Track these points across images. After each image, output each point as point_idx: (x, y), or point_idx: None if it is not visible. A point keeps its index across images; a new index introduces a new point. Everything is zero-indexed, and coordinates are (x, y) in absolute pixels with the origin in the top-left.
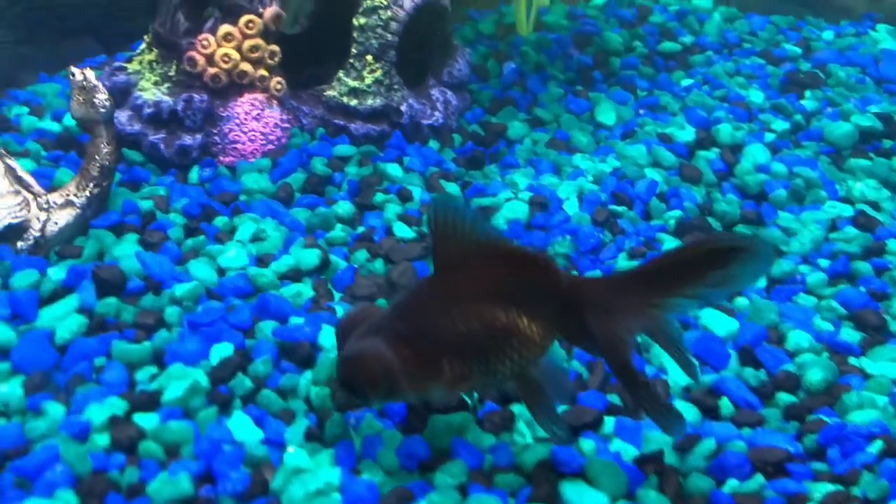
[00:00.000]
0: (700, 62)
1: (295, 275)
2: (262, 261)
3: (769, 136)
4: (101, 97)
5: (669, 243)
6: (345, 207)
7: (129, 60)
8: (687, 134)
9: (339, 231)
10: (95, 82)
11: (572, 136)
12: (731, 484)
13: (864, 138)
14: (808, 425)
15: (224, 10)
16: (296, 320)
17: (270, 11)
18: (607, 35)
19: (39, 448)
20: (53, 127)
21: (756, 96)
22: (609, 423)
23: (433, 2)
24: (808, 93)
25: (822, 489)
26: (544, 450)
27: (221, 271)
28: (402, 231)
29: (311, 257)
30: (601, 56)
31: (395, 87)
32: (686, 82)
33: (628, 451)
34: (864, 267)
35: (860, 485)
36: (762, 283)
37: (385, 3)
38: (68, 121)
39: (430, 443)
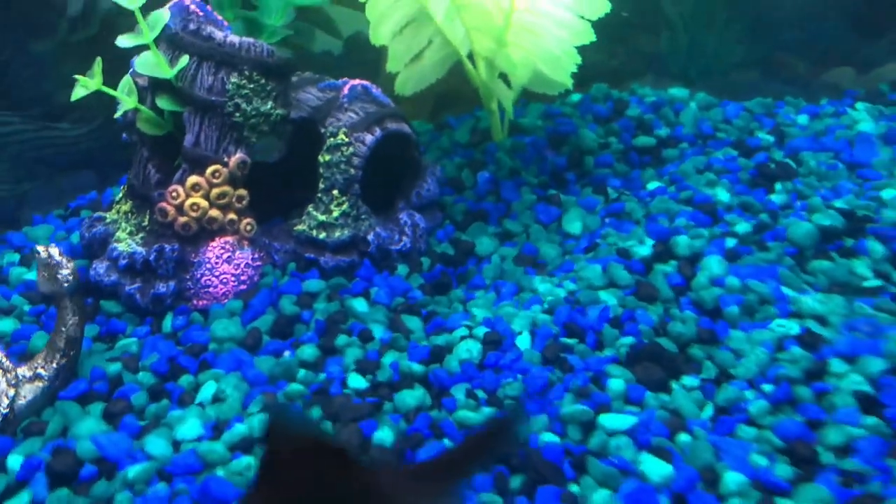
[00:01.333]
0: (673, 157)
1: (247, 445)
2: (217, 428)
3: (731, 242)
4: (65, 272)
5: (617, 377)
6: (309, 351)
7: (109, 207)
8: (645, 248)
9: (298, 384)
10: (59, 258)
11: (540, 248)
12: None
13: (825, 237)
14: None
15: (190, 161)
16: None
17: (235, 159)
18: (582, 132)
19: None
20: None
21: (723, 195)
22: None
23: (394, 132)
24: (778, 185)
25: None
26: None
27: (177, 444)
28: (357, 382)
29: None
30: (576, 155)
31: (363, 216)
32: (653, 185)
33: None
34: (804, 392)
35: None
36: (708, 412)
37: (346, 139)
38: None
39: None
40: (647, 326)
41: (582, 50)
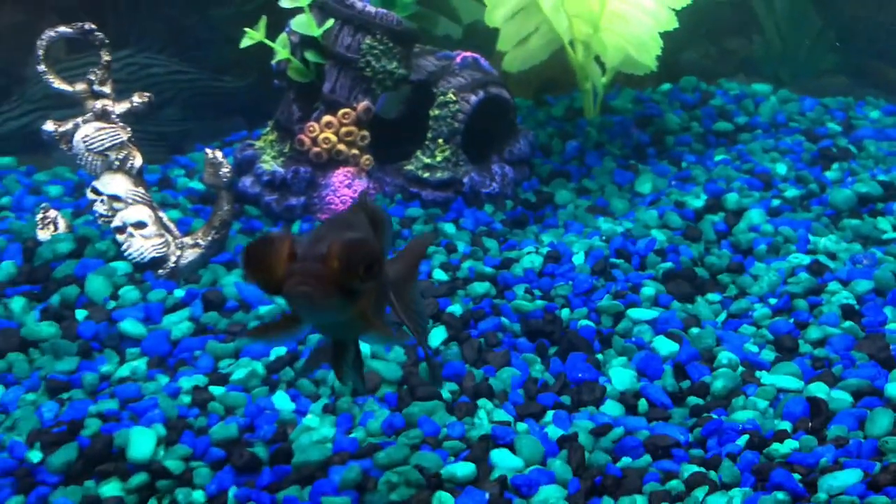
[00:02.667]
0: (746, 140)
1: None
2: None
3: (776, 202)
4: (225, 170)
5: (650, 288)
6: None
7: (258, 138)
8: (699, 201)
9: None
10: (222, 159)
11: (611, 203)
12: (625, 461)
13: (862, 202)
14: (700, 421)
15: (327, 104)
16: None
17: (362, 106)
18: (668, 116)
19: (148, 398)
20: (199, 187)
21: (781, 169)
22: (549, 415)
23: (495, 96)
24: (835, 165)
25: (690, 469)
26: (489, 428)
27: None
28: (440, 275)
29: None
30: (658, 135)
31: (461, 163)
32: (720, 157)
33: (555, 433)
34: (801, 304)
35: (720, 470)
36: (721, 318)
37: (454, 98)
38: None
39: (407, 419)
40: (686, 257)
41: (676, 48)
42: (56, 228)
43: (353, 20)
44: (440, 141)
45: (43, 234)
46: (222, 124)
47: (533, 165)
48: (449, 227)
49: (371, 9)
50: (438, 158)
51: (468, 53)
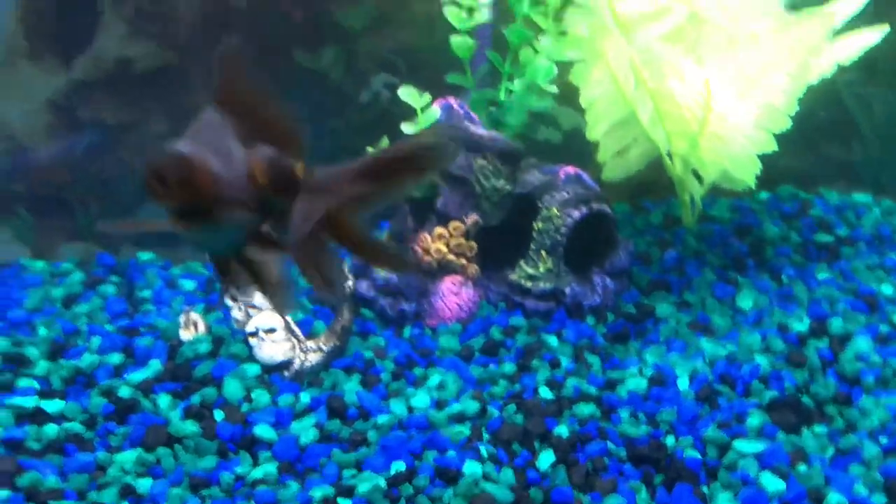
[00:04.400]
0: (849, 255)
1: (460, 418)
2: (439, 404)
3: (884, 328)
4: (348, 283)
5: (756, 418)
6: (509, 367)
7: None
8: (802, 325)
9: (500, 387)
10: (347, 273)
11: (712, 318)
12: None
13: None
14: None
15: (439, 217)
16: (451, 453)
17: (471, 220)
18: (766, 226)
19: None
20: None
21: (887, 290)
22: None
23: (597, 212)
24: None
25: None
26: None
27: (410, 409)
28: (545, 393)
29: (473, 407)
30: (757, 245)
31: (563, 274)
32: (822, 275)
33: None
34: None
35: None
36: (828, 453)
37: (557, 213)
38: None
39: None
40: (790, 384)
41: (773, 155)
42: (196, 330)
43: (466, 143)
44: (543, 253)
45: (185, 335)
46: None
47: (632, 275)
48: (552, 340)
49: (483, 132)
50: (541, 269)
51: (571, 169)
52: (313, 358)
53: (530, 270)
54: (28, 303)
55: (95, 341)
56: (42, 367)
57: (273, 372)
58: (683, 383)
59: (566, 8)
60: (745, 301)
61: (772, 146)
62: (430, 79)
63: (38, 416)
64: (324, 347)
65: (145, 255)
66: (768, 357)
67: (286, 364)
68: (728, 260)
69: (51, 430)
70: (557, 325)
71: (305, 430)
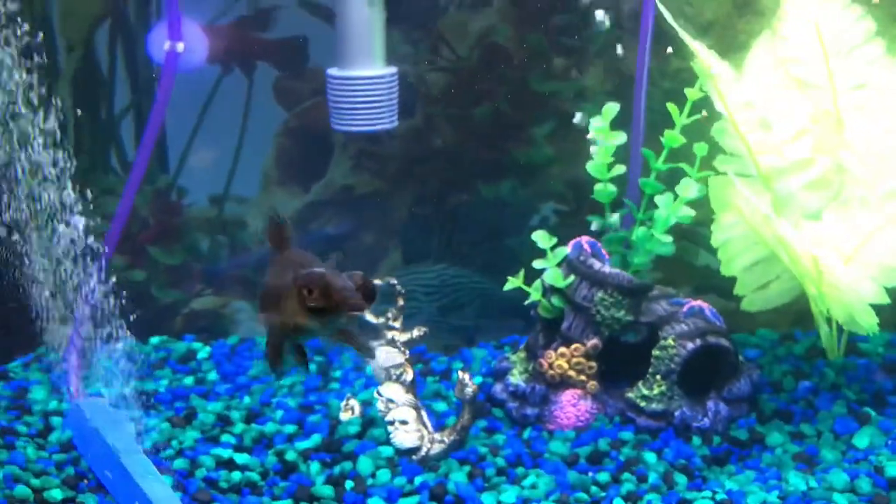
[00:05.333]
0: None
1: None
2: (525, 501)
3: None
4: (469, 390)
5: None
6: (603, 477)
7: (514, 352)
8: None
9: (587, 494)
10: (468, 381)
11: (821, 452)
12: None
13: None
14: None
15: (563, 338)
16: None
17: (591, 343)
18: None
19: None
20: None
21: None
22: None
23: (712, 344)
24: None
25: None
26: None
27: (499, 503)
28: (619, 503)
29: None
30: None
31: (675, 398)
32: None
33: None
34: None
35: None
36: None
37: (673, 344)
38: None
39: None
40: None
41: None
42: (353, 413)
43: (589, 277)
44: (658, 377)
45: (343, 416)
46: (506, 323)
47: (757, 402)
48: (651, 456)
49: (606, 269)
50: (655, 392)
51: (697, 303)
52: (437, 448)
53: (645, 391)
54: (252, 372)
55: (279, 413)
56: (239, 427)
57: (403, 455)
58: None
59: (716, 156)
60: (863, 440)
61: (884, 298)
62: (594, 207)
63: (230, 464)
64: (446, 440)
65: None
66: (848, 498)
67: (415, 450)
68: (867, 395)
69: (236, 475)
70: (661, 444)
71: None
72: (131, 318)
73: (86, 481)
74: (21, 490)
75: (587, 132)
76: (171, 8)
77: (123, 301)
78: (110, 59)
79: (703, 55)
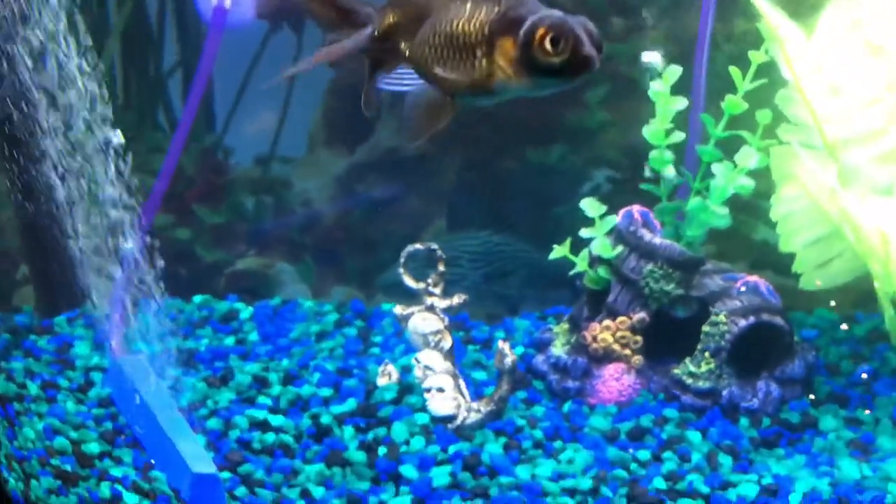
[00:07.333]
0: None
1: (571, 492)
2: (561, 476)
3: None
4: (508, 360)
5: None
6: (643, 454)
7: (558, 323)
8: None
9: (626, 472)
10: (507, 351)
11: (878, 439)
12: None
13: None
14: None
15: (608, 311)
16: None
17: (637, 317)
18: None
19: None
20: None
21: None
22: None
23: (765, 322)
24: None
25: None
26: None
27: (533, 476)
28: (659, 483)
29: (587, 484)
30: None
31: (724, 376)
32: None
33: None
34: None
35: None
36: None
37: (724, 320)
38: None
39: None
40: None
41: None
42: (390, 379)
43: (639, 248)
44: (707, 354)
45: (381, 381)
46: (551, 294)
47: (812, 384)
48: (695, 436)
49: (657, 240)
50: (703, 369)
51: (752, 279)
52: (473, 417)
53: (692, 368)
54: (292, 334)
55: (316, 376)
56: (276, 389)
57: (438, 423)
58: (795, 498)
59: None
60: None
61: None
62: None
63: (265, 426)
64: (483, 409)
65: (388, 306)
66: None
67: (450, 418)
68: None
69: (269, 437)
70: (707, 423)
71: (440, 476)
72: (175, 277)
73: (123, 436)
74: (60, 441)
75: (652, 78)
76: None
77: (165, 260)
78: (159, 15)
79: (770, 15)
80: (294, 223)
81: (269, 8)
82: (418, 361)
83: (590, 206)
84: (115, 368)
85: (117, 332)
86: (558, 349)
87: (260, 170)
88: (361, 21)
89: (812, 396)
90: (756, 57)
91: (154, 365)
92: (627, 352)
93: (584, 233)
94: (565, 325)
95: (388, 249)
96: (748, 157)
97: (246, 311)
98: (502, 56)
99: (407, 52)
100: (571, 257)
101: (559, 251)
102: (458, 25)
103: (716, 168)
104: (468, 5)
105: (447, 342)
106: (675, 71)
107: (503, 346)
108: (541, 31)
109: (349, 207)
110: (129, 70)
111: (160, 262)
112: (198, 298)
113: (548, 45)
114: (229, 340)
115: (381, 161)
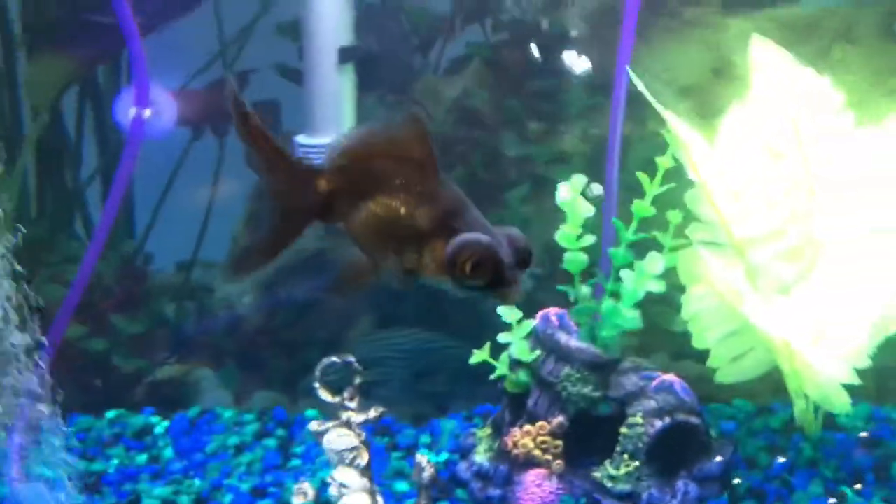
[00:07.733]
0: None
1: None
2: None
3: None
4: (426, 474)
5: None
6: None
7: (481, 428)
8: None
9: None
10: (426, 465)
11: None
12: None
13: None
14: None
15: (528, 416)
16: None
17: (556, 422)
18: None
19: None
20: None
21: None
22: None
23: (681, 423)
24: None
25: None
26: None
27: None
28: None
29: None
30: (884, 459)
31: (643, 478)
32: None
33: None
34: None
35: None
36: None
37: (641, 422)
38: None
39: None
40: None
41: None
42: (305, 497)
43: (555, 351)
44: (625, 456)
45: (297, 501)
46: (481, 389)
47: (729, 480)
48: None
49: (573, 344)
50: (622, 472)
51: (667, 377)
52: None
53: (612, 471)
54: (209, 447)
55: (228, 497)
56: None
57: None
58: None
59: (690, 224)
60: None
61: (854, 379)
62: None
63: None
64: None
65: (311, 413)
66: None
67: None
68: (844, 473)
69: None
70: None
71: None
72: (89, 390)
73: None
74: None
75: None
76: (139, 74)
77: (79, 374)
78: (78, 126)
79: (673, 123)
80: (216, 328)
81: (192, 114)
82: (334, 479)
83: (506, 311)
84: (13, 499)
85: (17, 460)
86: (481, 455)
87: (182, 276)
88: (299, 177)
89: (729, 493)
90: (663, 162)
91: (55, 492)
92: (548, 457)
93: (502, 338)
94: (488, 430)
95: (313, 351)
96: (654, 262)
97: (161, 426)
98: (432, 258)
99: (344, 226)
100: (492, 361)
101: (479, 355)
102: (394, 219)
103: (624, 274)
104: (408, 200)
105: (363, 458)
106: (581, 179)
107: (420, 459)
108: (463, 257)
109: (273, 310)
110: (45, 179)
111: (66, 379)
112: (111, 413)
113: (468, 269)
114: (141, 458)
115: (306, 263)
